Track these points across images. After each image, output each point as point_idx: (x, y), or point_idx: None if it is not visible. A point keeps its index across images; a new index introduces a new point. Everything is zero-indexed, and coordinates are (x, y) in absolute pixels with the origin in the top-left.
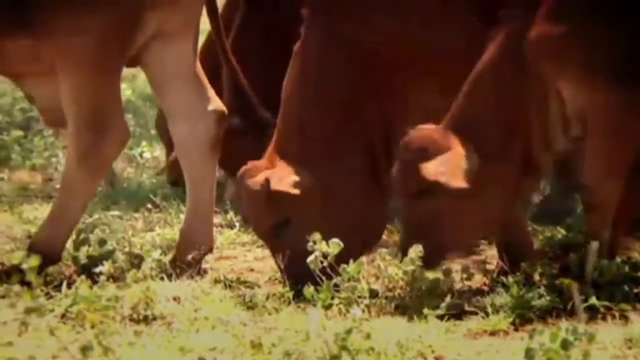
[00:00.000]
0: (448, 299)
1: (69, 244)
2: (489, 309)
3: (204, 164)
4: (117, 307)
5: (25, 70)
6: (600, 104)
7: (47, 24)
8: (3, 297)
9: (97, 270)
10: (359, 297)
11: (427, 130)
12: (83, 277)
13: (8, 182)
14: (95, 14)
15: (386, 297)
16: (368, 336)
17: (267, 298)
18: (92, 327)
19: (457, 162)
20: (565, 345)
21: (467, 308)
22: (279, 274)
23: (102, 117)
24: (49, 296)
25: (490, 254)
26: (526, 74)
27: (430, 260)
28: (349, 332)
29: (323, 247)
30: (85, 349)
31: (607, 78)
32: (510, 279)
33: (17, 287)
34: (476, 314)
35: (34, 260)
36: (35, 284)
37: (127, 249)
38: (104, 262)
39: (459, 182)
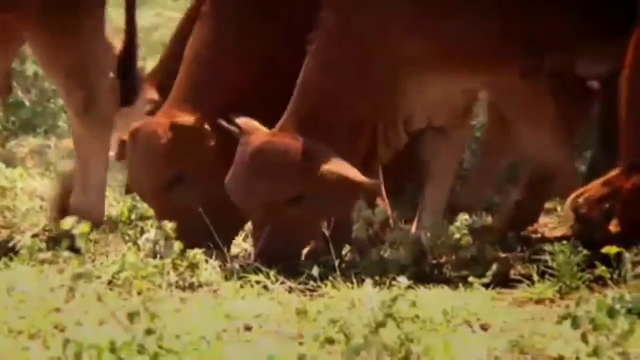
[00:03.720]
0: (493, 267)
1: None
2: (535, 277)
3: None
4: (164, 274)
5: None
6: None
7: None
8: (51, 262)
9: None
10: (404, 265)
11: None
12: (130, 244)
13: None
14: None
15: (431, 266)
16: (414, 304)
17: (313, 266)
18: (139, 293)
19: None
20: (612, 313)
21: (512, 276)
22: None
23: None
24: (96, 263)
25: (541, 222)
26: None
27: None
28: (394, 299)
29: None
30: (132, 315)
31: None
32: (557, 247)
33: (66, 253)
34: (521, 282)
35: (85, 227)
36: (83, 250)
37: None
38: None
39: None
